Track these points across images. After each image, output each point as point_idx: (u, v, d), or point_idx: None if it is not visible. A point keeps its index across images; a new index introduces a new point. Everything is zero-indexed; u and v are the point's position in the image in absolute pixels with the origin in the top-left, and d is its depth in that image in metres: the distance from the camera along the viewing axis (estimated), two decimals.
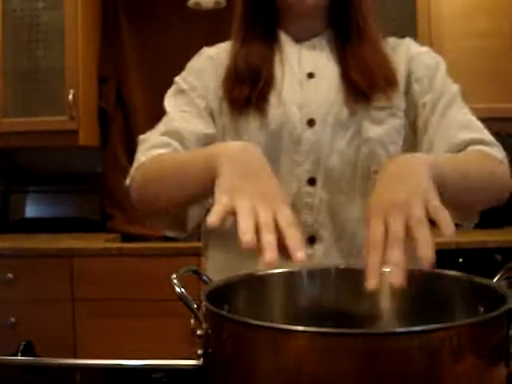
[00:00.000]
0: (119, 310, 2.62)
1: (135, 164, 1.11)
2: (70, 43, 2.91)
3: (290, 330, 0.56)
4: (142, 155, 1.10)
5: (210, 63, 1.21)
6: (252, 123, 1.11)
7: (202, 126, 1.14)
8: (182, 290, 0.68)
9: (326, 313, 0.84)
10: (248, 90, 1.12)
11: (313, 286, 0.85)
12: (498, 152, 1.06)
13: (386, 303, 0.86)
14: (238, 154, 0.81)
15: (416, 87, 1.14)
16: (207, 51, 1.24)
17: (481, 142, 1.05)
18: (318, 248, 1.09)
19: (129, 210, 3.16)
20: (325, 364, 0.54)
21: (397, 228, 0.68)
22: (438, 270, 0.83)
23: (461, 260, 2.56)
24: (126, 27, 3.25)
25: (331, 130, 1.10)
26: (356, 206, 1.10)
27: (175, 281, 0.70)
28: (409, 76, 1.15)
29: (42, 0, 2.94)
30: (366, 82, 1.09)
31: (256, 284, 0.81)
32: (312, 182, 1.10)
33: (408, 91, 1.14)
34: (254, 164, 0.80)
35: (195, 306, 0.68)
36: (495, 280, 0.77)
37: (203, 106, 1.17)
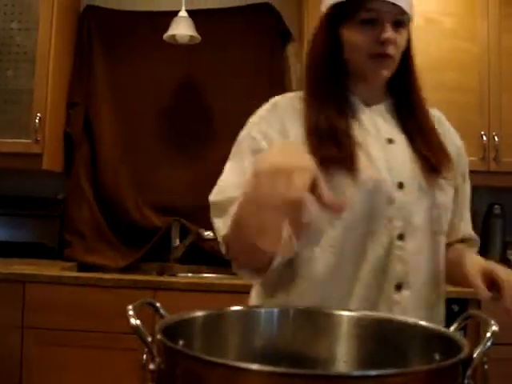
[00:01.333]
0: (69, 340, 2.55)
1: (226, 219, 1.11)
2: (40, 66, 2.90)
3: (244, 369, 0.55)
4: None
5: (284, 109, 1.27)
6: (344, 180, 1.18)
7: None
8: (137, 321, 0.67)
9: (281, 353, 0.83)
10: (336, 149, 1.19)
11: (270, 325, 0.84)
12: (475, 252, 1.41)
13: (342, 348, 0.85)
14: None
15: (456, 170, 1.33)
16: (280, 103, 1.30)
17: (470, 240, 1.41)
18: (405, 293, 1.22)
19: (87, 239, 3.12)
20: None
21: None
22: (396, 317, 0.83)
23: None
24: (99, 55, 3.25)
25: (416, 194, 1.24)
26: (424, 257, 1.26)
27: (130, 312, 0.69)
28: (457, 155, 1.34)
29: (16, 21, 2.93)
30: (435, 158, 1.25)
31: (213, 321, 0.80)
32: (401, 237, 1.22)
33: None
34: None
35: (149, 339, 0.66)
36: (452, 329, 0.77)
37: None
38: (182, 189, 3.19)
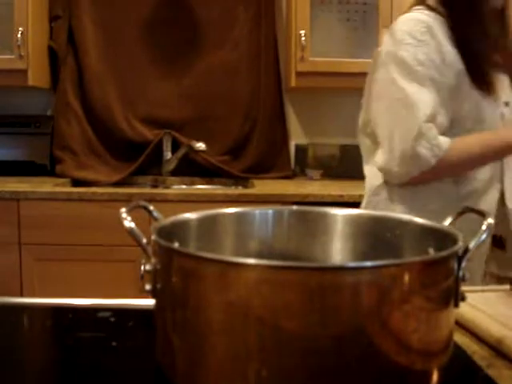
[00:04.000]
0: (67, 255, 2.58)
1: (442, 146, 1.37)
2: None
3: (240, 263, 0.55)
4: (444, 141, 1.38)
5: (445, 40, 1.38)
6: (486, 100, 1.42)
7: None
8: (131, 224, 0.66)
9: (276, 253, 0.84)
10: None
11: (265, 226, 0.84)
12: None
13: (337, 246, 0.86)
14: None
15: None
16: (435, 28, 1.37)
17: None
18: None
19: (79, 155, 3.11)
20: (274, 298, 0.53)
21: None
22: (391, 214, 0.83)
23: None
24: None
25: None
26: None
27: (124, 215, 0.68)
28: None
29: None
30: None
31: (208, 223, 0.80)
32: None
33: None
34: None
35: (144, 240, 0.66)
36: (446, 223, 0.77)
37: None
38: (171, 101, 3.14)
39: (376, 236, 0.82)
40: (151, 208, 0.76)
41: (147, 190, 2.86)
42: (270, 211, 0.86)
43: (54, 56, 3.14)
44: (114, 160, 3.14)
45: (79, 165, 3.09)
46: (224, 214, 0.81)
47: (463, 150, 1.39)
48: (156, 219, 0.76)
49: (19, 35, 2.77)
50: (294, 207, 0.87)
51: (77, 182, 3.01)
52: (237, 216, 0.83)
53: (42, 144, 3.14)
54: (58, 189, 2.67)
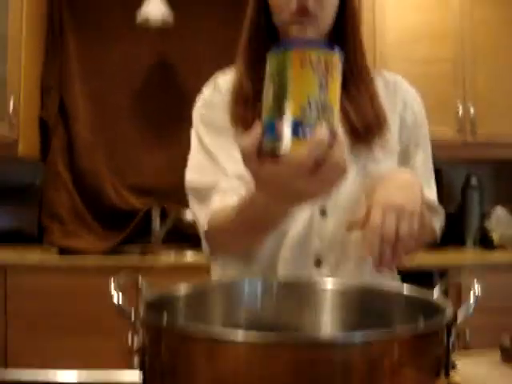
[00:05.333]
0: (54, 325, 2.54)
1: (209, 210, 1.12)
2: (13, 49, 2.85)
3: (226, 340, 0.55)
4: (216, 201, 1.12)
5: (226, 96, 1.23)
6: None
7: None
8: (120, 300, 0.66)
9: (265, 326, 0.83)
10: (255, 110, 1.12)
11: (254, 298, 0.84)
12: (437, 221, 1.26)
13: (327, 318, 0.85)
14: None
15: (404, 135, 1.25)
16: (221, 84, 1.27)
17: (430, 207, 1.21)
18: (324, 270, 1.15)
19: (67, 224, 3.10)
20: (262, 372, 0.53)
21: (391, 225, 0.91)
22: (379, 284, 0.83)
23: None
24: (72, 37, 3.20)
25: None
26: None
27: (113, 291, 0.68)
28: (402, 122, 1.25)
29: None
30: (364, 124, 1.17)
31: (196, 295, 0.80)
32: (323, 212, 1.17)
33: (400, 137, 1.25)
34: None
35: (132, 315, 0.66)
36: (435, 293, 0.78)
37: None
38: (159, 170, 3.18)
39: (365, 307, 0.82)
40: (140, 281, 0.76)
41: (136, 260, 2.84)
42: (259, 282, 0.86)
43: (44, 126, 3.17)
44: (101, 229, 3.14)
45: (67, 234, 3.07)
46: (213, 285, 0.81)
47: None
48: (145, 292, 0.76)
49: (11, 104, 2.81)
50: (283, 278, 0.88)
51: (64, 252, 2.99)
52: (226, 287, 0.83)
53: (31, 213, 3.13)
54: (45, 258, 2.65)
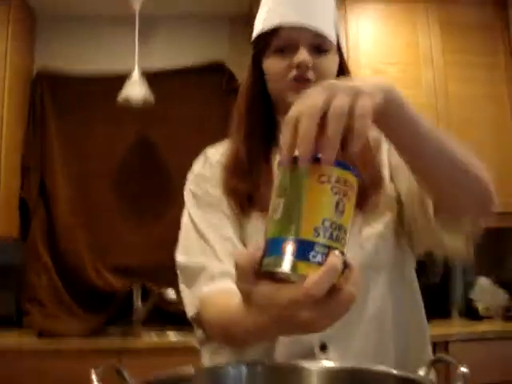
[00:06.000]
0: None
1: (195, 294, 1.05)
2: None
3: None
4: (206, 287, 1.03)
5: (218, 169, 1.19)
6: (256, 227, 1.10)
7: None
8: None
9: None
10: (249, 184, 1.12)
11: (239, 382, 0.82)
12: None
13: None
14: None
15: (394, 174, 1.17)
16: (211, 157, 1.23)
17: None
18: (331, 355, 1.04)
19: (46, 307, 3.03)
20: None
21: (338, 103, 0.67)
22: (368, 366, 0.82)
23: None
24: (53, 119, 3.24)
25: None
26: (367, 305, 1.09)
27: (94, 376, 0.66)
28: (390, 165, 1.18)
29: None
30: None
31: (179, 383, 0.77)
32: None
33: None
34: None
35: None
36: (421, 373, 0.76)
37: (229, 214, 1.15)
38: (141, 249, 3.15)
39: None
40: (122, 371, 0.74)
41: (117, 342, 2.77)
42: (243, 366, 0.83)
43: (24, 206, 3.15)
44: (82, 311, 3.07)
45: (47, 316, 3.00)
46: (194, 374, 0.79)
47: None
48: (126, 381, 0.74)
49: None
50: (267, 361, 0.85)
51: (44, 335, 2.90)
52: (210, 373, 0.80)
53: (9, 295, 3.07)
54: (23, 341, 2.57)
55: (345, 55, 1.21)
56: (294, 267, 0.62)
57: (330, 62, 1.15)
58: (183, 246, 1.14)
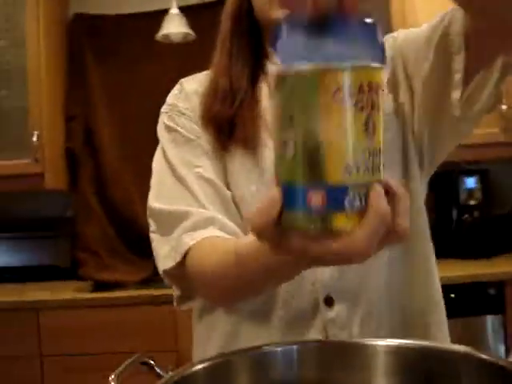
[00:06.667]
0: (92, 365, 2.43)
1: (180, 246, 0.90)
2: (33, 82, 2.76)
3: None
4: (187, 236, 0.89)
5: (195, 100, 1.04)
6: (240, 165, 0.95)
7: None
8: None
9: None
10: (231, 113, 0.96)
11: (290, 367, 0.70)
12: None
13: (381, 380, 0.71)
14: None
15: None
16: (187, 87, 1.08)
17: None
18: (340, 309, 0.93)
19: (101, 256, 3.01)
20: None
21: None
22: (442, 345, 0.69)
23: (452, 296, 2.41)
24: (93, 64, 3.11)
25: None
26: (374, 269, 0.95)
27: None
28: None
29: (3, 38, 2.81)
30: None
31: (218, 372, 0.66)
32: None
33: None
34: None
35: None
36: (508, 356, 0.63)
37: (209, 150, 1.00)
38: None
39: (427, 371, 0.67)
40: (152, 363, 0.63)
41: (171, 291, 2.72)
42: (295, 346, 0.72)
43: (71, 156, 3.09)
44: (137, 258, 3.03)
45: (102, 266, 2.98)
46: (236, 358, 0.68)
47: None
48: (159, 375, 0.63)
49: (34, 139, 2.73)
50: (323, 339, 0.73)
51: (100, 285, 2.89)
52: (253, 359, 0.69)
53: (64, 247, 3.05)
54: (77, 295, 2.55)
55: None
56: (329, 222, 0.48)
57: None
58: (158, 190, 1.00)
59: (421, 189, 1.01)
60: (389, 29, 2.68)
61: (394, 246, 0.54)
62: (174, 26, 2.80)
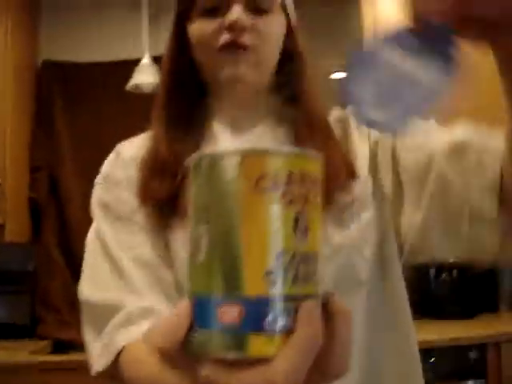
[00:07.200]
0: None
1: (112, 345, 0.75)
2: None
3: None
4: (120, 335, 0.75)
5: (133, 168, 0.90)
6: (183, 243, 0.81)
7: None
8: None
9: None
10: (172, 188, 0.83)
11: None
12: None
13: None
14: None
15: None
16: (124, 153, 0.95)
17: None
18: None
19: (62, 313, 2.85)
20: None
21: None
22: None
23: (432, 360, 2.30)
24: (61, 112, 3.03)
25: None
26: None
27: None
28: (374, 157, 0.90)
29: None
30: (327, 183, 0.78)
31: None
32: None
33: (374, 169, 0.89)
34: None
35: None
36: None
37: (147, 227, 0.86)
38: None
39: None
40: None
41: None
42: None
43: (35, 207, 2.96)
44: None
45: (63, 324, 2.82)
46: None
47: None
48: None
49: None
50: None
51: (59, 344, 2.72)
52: None
53: (23, 302, 2.88)
54: (34, 357, 2.38)
55: (292, 14, 0.92)
56: (245, 347, 0.37)
57: (274, 23, 0.87)
58: (89, 275, 0.85)
59: (400, 272, 0.92)
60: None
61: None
62: (145, 76, 2.73)
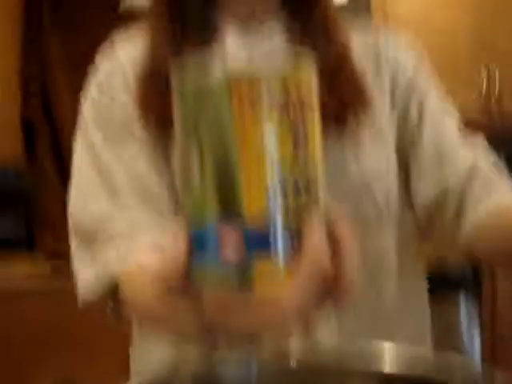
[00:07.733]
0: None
1: (99, 263, 0.72)
2: None
3: None
4: (111, 248, 0.72)
5: (131, 70, 0.83)
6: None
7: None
8: None
9: None
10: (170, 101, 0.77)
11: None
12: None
13: None
14: None
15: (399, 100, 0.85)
16: (120, 54, 0.86)
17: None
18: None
19: (59, 230, 2.91)
20: None
21: None
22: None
23: None
24: (53, 32, 3.00)
25: None
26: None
27: None
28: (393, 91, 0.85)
29: None
30: (335, 102, 0.76)
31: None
32: None
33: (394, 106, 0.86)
34: None
35: None
36: None
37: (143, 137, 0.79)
38: None
39: None
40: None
41: None
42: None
43: (28, 127, 2.97)
44: None
45: (59, 240, 2.89)
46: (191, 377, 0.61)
47: None
48: None
49: None
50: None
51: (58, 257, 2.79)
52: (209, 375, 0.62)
53: (18, 222, 2.93)
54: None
55: None
56: (247, 275, 0.36)
57: None
58: (78, 188, 0.81)
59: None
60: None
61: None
62: None
